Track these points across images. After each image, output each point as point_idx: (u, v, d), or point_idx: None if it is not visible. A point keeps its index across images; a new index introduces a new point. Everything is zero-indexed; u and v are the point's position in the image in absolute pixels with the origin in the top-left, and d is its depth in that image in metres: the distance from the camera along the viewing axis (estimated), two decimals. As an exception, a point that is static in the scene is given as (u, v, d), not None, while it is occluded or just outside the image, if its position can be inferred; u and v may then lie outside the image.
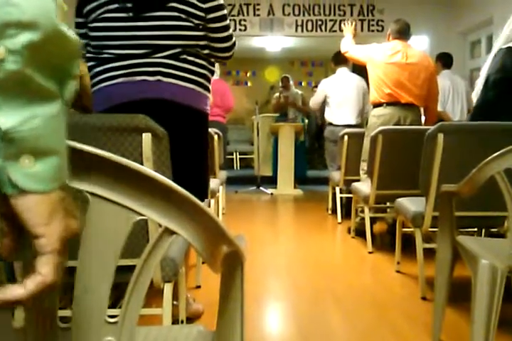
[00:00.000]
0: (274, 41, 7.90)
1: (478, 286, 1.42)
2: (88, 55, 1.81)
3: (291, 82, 7.10)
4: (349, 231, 3.81)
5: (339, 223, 4.25)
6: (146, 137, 1.35)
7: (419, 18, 5.76)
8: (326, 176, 4.85)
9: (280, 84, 7.18)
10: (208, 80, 1.87)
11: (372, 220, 3.41)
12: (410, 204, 2.45)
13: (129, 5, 1.70)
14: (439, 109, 4.07)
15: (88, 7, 1.75)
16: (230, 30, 1.86)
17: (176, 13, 1.72)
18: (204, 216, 0.60)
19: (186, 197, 0.58)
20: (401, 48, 3.47)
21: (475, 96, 2.48)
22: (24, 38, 0.46)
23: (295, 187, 6.32)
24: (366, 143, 3.41)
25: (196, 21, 1.75)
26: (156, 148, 1.38)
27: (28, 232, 0.50)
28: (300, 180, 6.60)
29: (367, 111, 4.67)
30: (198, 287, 2.47)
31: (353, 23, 4.04)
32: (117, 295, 0.99)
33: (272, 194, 6.10)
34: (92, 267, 0.60)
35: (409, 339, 1.91)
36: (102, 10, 1.72)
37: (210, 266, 0.67)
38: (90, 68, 1.80)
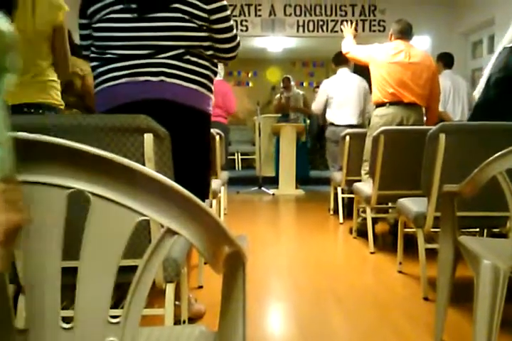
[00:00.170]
0: (276, 41, 7.90)
1: (481, 287, 1.42)
2: (92, 55, 1.81)
3: (293, 83, 7.10)
4: (351, 232, 3.81)
5: (341, 223, 4.25)
6: (148, 137, 1.36)
7: (420, 19, 5.76)
8: (328, 176, 4.85)
9: (281, 84, 7.18)
10: (211, 81, 1.87)
11: (374, 220, 3.40)
12: (412, 205, 2.45)
13: (134, 6, 1.71)
14: (440, 109, 4.06)
15: (92, 8, 1.76)
16: (234, 31, 1.87)
17: (179, 14, 1.72)
18: (206, 216, 0.60)
19: (188, 198, 0.58)
20: (404, 48, 3.47)
21: (477, 94, 2.47)
22: None
23: (297, 188, 6.32)
24: (368, 143, 3.40)
25: (200, 22, 1.75)
26: (158, 149, 1.38)
27: None
28: (302, 180, 6.59)
29: (368, 111, 4.68)
30: (200, 287, 2.47)
31: (353, 24, 4.04)
32: (119, 296, 0.99)
33: (273, 194, 6.10)
34: (94, 267, 0.60)
35: (411, 339, 1.90)
36: (106, 11, 1.73)
37: (212, 267, 0.68)
38: (94, 68, 1.80)
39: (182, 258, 1.53)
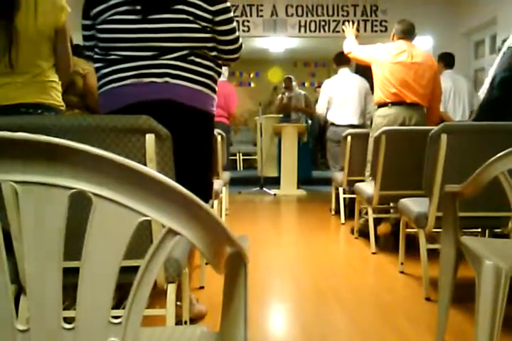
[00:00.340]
0: (278, 42, 7.91)
1: (482, 287, 1.42)
2: (96, 56, 1.81)
3: (294, 83, 7.10)
4: (352, 232, 3.80)
5: (342, 224, 4.24)
6: (150, 138, 1.36)
7: (422, 19, 5.75)
8: (329, 177, 4.85)
9: (283, 84, 7.18)
10: (215, 82, 1.88)
11: (376, 221, 3.40)
12: (414, 205, 2.45)
13: (138, 7, 1.71)
14: (440, 109, 4.06)
15: (96, 9, 1.76)
16: (237, 32, 1.87)
17: (184, 16, 1.72)
18: (207, 216, 0.60)
19: (189, 198, 0.58)
20: (406, 48, 3.47)
21: (481, 94, 2.47)
22: None
23: (298, 188, 6.32)
24: (371, 144, 3.40)
25: (204, 23, 1.76)
26: (160, 149, 1.39)
27: None
28: (305, 180, 6.59)
29: (369, 112, 4.68)
30: (202, 288, 2.47)
31: (355, 24, 4.04)
32: (121, 296, 0.99)
33: (275, 194, 6.10)
34: (95, 268, 0.60)
35: (413, 340, 1.90)
36: (111, 12, 1.73)
37: (214, 267, 0.68)
38: (98, 69, 1.81)
39: (183, 258, 1.54)
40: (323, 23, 6.52)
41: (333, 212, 4.74)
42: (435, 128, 2.21)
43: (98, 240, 0.60)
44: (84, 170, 0.57)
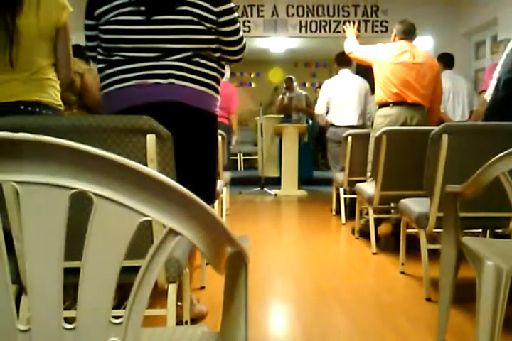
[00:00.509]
0: (278, 42, 7.91)
1: (483, 287, 1.42)
2: (99, 57, 1.81)
3: (295, 83, 7.10)
4: (353, 232, 3.80)
5: (343, 224, 4.24)
6: (151, 138, 1.36)
7: (423, 19, 5.74)
8: (330, 177, 4.85)
9: (284, 85, 7.18)
10: (218, 83, 1.88)
11: (377, 221, 3.40)
12: (414, 205, 2.45)
13: (143, 8, 1.71)
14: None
15: (100, 10, 1.75)
16: (241, 33, 1.87)
17: (188, 17, 1.72)
18: (208, 217, 0.61)
19: (190, 198, 0.58)
20: (408, 48, 3.47)
21: (488, 96, 2.47)
22: None
23: (299, 188, 6.32)
24: (372, 144, 3.40)
25: (208, 25, 1.75)
26: (161, 150, 1.39)
27: None
28: (306, 181, 6.59)
29: (369, 112, 4.68)
30: (202, 288, 2.47)
31: (355, 24, 4.04)
32: (122, 296, 0.99)
33: (275, 195, 6.10)
34: (96, 268, 0.60)
35: (413, 340, 1.90)
36: (114, 13, 1.72)
37: (214, 267, 0.68)
38: (101, 70, 1.80)
39: (184, 258, 1.54)
40: (323, 24, 6.51)
41: (333, 213, 4.74)
42: (436, 128, 2.21)
43: (99, 240, 0.60)
44: (85, 170, 0.57)
